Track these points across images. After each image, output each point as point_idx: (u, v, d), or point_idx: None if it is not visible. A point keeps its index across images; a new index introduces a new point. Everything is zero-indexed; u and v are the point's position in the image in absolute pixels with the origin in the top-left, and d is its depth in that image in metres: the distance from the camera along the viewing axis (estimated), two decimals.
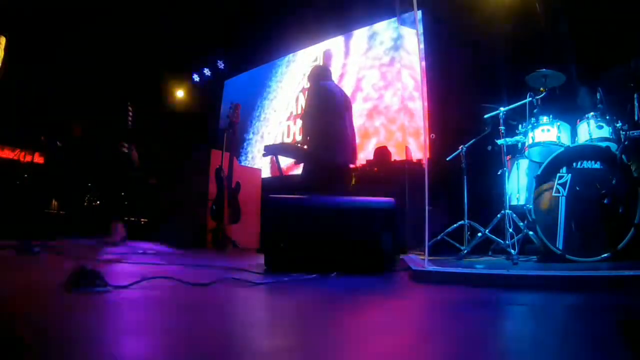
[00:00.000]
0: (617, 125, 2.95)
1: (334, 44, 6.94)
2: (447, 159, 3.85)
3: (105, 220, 4.08)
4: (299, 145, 3.89)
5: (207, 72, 8.83)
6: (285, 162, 5.09)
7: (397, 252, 2.82)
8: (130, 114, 4.29)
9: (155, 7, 6.77)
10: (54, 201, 6.95)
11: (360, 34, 6.57)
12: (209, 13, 7.09)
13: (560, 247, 2.68)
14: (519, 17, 4.42)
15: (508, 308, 1.64)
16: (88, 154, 6.32)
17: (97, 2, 6.54)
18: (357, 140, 3.96)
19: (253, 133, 7.95)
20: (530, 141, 3.23)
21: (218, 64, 8.62)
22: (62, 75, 7.43)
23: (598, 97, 3.08)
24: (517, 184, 3.59)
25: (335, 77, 5.61)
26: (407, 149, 5.27)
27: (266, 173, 6.55)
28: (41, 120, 7.06)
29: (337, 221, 2.59)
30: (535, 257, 3.07)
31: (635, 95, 2.95)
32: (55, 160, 6.41)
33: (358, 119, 5.90)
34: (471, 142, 3.76)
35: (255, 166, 6.82)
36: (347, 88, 6.28)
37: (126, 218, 5.47)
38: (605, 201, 2.63)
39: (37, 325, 1.04)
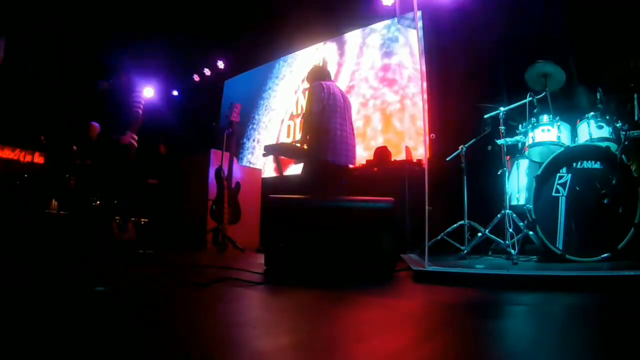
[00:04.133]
0: (617, 125, 2.95)
1: (334, 44, 6.95)
2: (447, 159, 3.85)
3: (109, 219, 3.96)
4: (298, 145, 3.88)
5: (207, 72, 8.83)
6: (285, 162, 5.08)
7: (397, 252, 2.82)
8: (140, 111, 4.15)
9: (157, 6, 6.77)
10: (53, 201, 6.95)
11: (360, 34, 6.57)
12: (209, 13, 7.09)
13: (560, 247, 2.68)
14: (519, 16, 4.42)
15: (508, 308, 1.64)
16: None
17: (98, 2, 6.54)
18: (357, 140, 3.96)
19: (248, 138, 7.95)
20: (530, 141, 3.23)
21: (218, 64, 8.61)
22: (62, 75, 7.44)
23: (598, 97, 3.08)
24: (517, 184, 3.59)
25: (334, 77, 5.62)
26: (407, 149, 5.27)
27: (267, 173, 6.55)
28: (42, 120, 7.05)
29: (337, 221, 2.59)
30: (535, 257, 3.07)
31: (635, 95, 2.95)
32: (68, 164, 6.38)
33: (358, 119, 5.90)
34: (471, 142, 3.76)
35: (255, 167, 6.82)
36: (347, 88, 6.28)
37: (133, 218, 5.43)
38: (605, 201, 2.63)
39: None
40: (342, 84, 6.32)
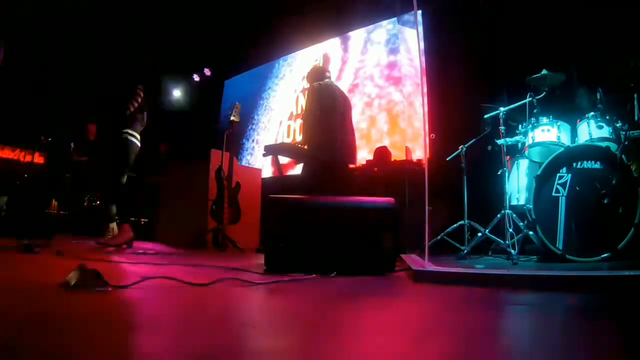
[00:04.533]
0: (617, 125, 2.95)
1: (334, 44, 6.95)
2: (447, 159, 3.85)
3: (108, 220, 3.89)
4: (299, 145, 3.88)
5: (207, 72, 8.84)
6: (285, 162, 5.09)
7: (397, 252, 2.82)
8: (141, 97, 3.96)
9: (157, 6, 6.77)
10: (54, 201, 6.96)
11: (359, 34, 6.57)
12: (209, 13, 7.10)
13: (560, 247, 2.68)
14: (519, 16, 4.43)
15: (508, 308, 1.64)
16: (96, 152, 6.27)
17: (99, 1, 6.55)
18: (357, 140, 3.97)
19: (247, 139, 7.95)
20: (530, 141, 3.23)
21: (218, 64, 8.62)
22: (60, 75, 7.44)
23: (598, 97, 3.08)
24: (517, 184, 3.59)
25: (334, 77, 5.62)
26: (407, 149, 5.28)
27: (266, 173, 6.55)
28: (41, 120, 7.05)
29: (337, 221, 2.59)
30: (535, 257, 3.07)
31: (635, 95, 2.95)
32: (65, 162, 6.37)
33: (358, 119, 5.90)
34: (471, 142, 3.76)
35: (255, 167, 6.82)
36: (346, 88, 6.28)
37: (132, 218, 5.40)
38: (605, 201, 2.63)
39: (36, 326, 1.04)
40: (340, 83, 6.31)
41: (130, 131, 3.94)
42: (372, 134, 5.98)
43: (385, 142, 5.55)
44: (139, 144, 4.04)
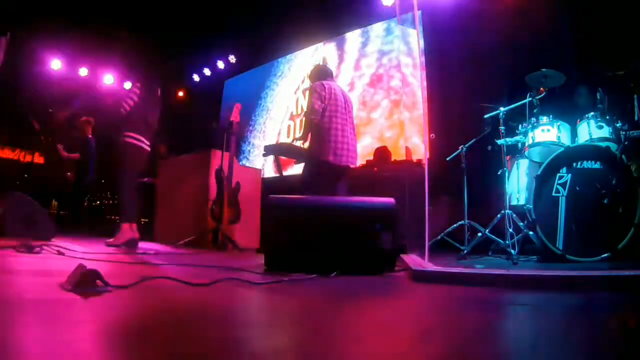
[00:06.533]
0: (617, 125, 2.95)
1: (333, 44, 6.94)
2: (447, 159, 3.85)
3: (112, 220, 3.91)
4: (298, 143, 3.87)
5: (207, 72, 8.84)
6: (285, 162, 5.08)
7: (397, 252, 2.82)
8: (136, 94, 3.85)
9: (157, 6, 6.78)
10: (54, 201, 6.96)
11: (360, 34, 6.57)
12: (209, 13, 7.10)
13: (560, 247, 2.68)
14: (519, 17, 4.42)
15: (508, 308, 1.64)
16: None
17: (100, 2, 6.55)
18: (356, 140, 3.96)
19: (244, 141, 7.93)
20: (530, 141, 3.23)
21: (218, 64, 8.62)
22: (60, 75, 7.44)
23: (598, 97, 3.08)
24: (517, 184, 3.59)
25: (334, 77, 5.61)
26: (407, 149, 5.27)
27: (267, 173, 6.55)
28: (42, 120, 7.05)
29: (337, 221, 2.59)
30: (535, 257, 3.07)
31: (635, 95, 2.95)
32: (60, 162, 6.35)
33: (358, 119, 5.90)
34: (471, 142, 3.76)
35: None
36: (346, 88, 6.28)
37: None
38: (605, 201, 2.63)
39: (37, 326, 1.04)
40: (340, 83, 6.31)
41: (131, 134, 3.81)
42: (369, 133, 5.98)
43: (385, 142, 5.55)
44: (145, 147, 3.88)
